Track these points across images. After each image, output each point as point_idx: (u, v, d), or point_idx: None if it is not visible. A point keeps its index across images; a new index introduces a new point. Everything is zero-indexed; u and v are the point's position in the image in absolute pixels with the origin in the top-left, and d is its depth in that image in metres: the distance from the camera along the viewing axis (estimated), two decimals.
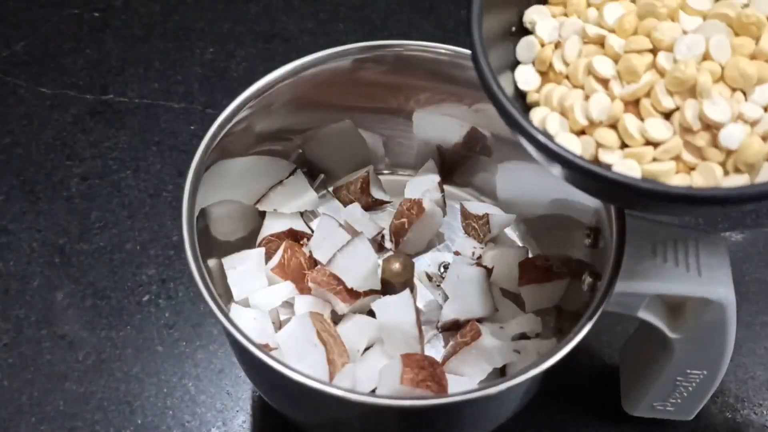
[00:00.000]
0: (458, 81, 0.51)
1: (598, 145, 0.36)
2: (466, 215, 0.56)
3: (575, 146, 0.37)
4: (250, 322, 0.48)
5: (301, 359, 0.46)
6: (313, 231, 0.54)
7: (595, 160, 0.36)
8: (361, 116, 0.55)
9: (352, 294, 0.49)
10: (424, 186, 0.55)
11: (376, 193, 0.57)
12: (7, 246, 0.61)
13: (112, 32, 0.74)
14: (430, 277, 0.55)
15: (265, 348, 0.44)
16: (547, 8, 0.41)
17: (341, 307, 0.49)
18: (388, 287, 0.51)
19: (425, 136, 0.57)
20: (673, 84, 0.35)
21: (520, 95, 0.40)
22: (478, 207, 0.56)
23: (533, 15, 0.41)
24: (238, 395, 0.55)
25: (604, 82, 0.37)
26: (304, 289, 0.51)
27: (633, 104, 0.37)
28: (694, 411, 0.51)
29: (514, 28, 0.41)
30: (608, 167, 0.35)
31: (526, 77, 0.40)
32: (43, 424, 0.53)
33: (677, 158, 0.36)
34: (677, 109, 0.36)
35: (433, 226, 0.55)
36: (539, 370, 0.39)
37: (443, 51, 0.50)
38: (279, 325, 0.50)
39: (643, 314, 0.44)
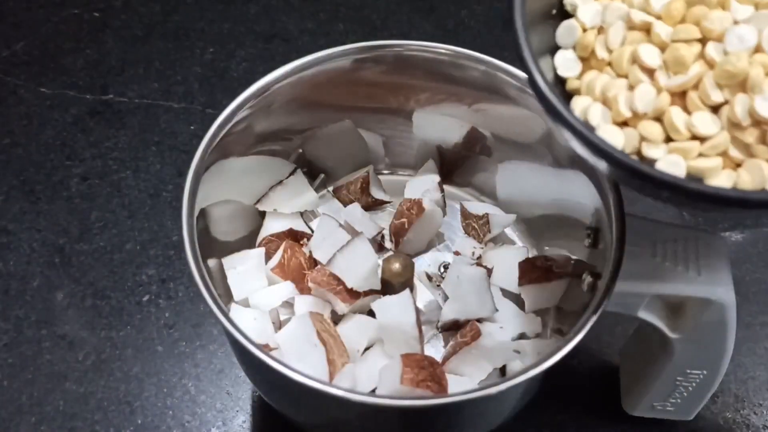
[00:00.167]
0: (458, 81, 0.51)
1: (642, 138, 0.35)
2: (466, 215, 0.56)
3: (618, 139, 0.35)
4: (250, 322, 0.48)
5: (301, 359, 0.46)
6: (313, 231, 0.54)
7: (638, 154, 0.35)
8: (361, 116, 0.55)
9: (352, 294, 0.49)
10: (424, 186, 0.55)
11: (376, 193, 0.57)
12: (7, 246, 0.61)
13: (112, 32, 0.74)
14: (430, 277, 0.55)
15: (265, 348, 0.44)
16: None
17: (341, 307, 0.49)
18: (388, 287, 0.51)
19: (425, 136, 0.57)
20: (722, 77, 0.34)
21: (559, 81, 0.38)
22: (478, 207, 0.56)
23: None
24: (238, 395, 0.55)
25: (650, 72, 0.36)
26: (304, 289, 0.51)
27: (679, 96, 0.35)
28: (694, 411, 0.51)
29: (554, 11, 0.39)
30: (652, 162, 0.34)
31: (566, 63, 0.38)
32: (43, 424, 0.53)
33: (723, 154, 0.34)
34: (725, 103, 0.34)
35: (433, 226, 0.55)
36: (539, 370, 0.39)
37: (443, 51, 0.50)
38: (279, 325, 0.50)
39: (643, 314, 0.44)
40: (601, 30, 0.38)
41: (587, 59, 0.38)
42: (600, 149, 0.33)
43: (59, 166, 0.65)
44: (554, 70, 0.38)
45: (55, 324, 0.58)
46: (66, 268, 0.60)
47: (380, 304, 0.49)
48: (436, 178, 0.56)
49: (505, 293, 0.52)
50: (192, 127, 0.68)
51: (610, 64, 0.37)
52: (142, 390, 0.55)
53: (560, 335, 0.51)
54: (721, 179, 0.34)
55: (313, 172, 0.57)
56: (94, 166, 0.65)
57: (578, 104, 0.37)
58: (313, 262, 0.52)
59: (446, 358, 0.49)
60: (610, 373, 0.56)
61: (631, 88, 0.36)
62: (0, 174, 0.65)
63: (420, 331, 0.48)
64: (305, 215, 0.55)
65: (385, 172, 0.59)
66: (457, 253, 0.55)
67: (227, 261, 0.51)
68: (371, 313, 0.50)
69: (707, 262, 0.43)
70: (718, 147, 0.34)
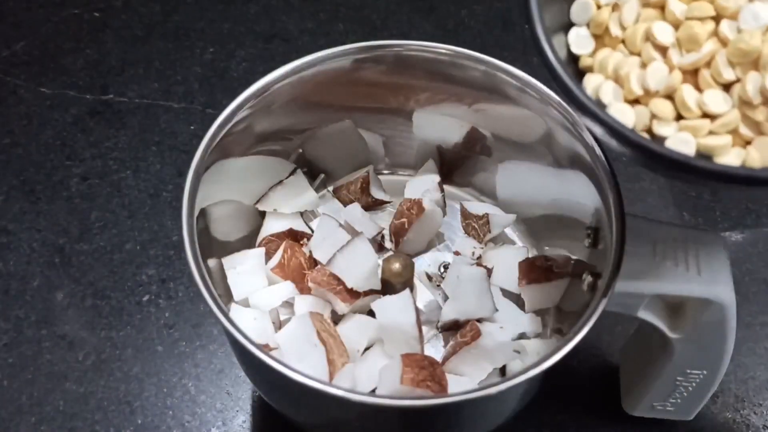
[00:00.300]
0: (458, 81, 0.51)
1: (653, 116, 0.35)
2: (466, 215, 0.56)
3: (629, 117, 0.35)
4: (250, 322, 0.48)
5: (301, 359, 0.46)
6: (313, 231, 0.54)
7: (649, 131, 0.35)
8: (361, 116, 0.55)
9: (352, 294, 0.49)
10: (424, 186, 0.55)
11: (376, 193, 0.57)
12: (7, 246, 0.61)
13: (112, 32, 0.74)
14: (430, 277, 0.55)
15: (265, 348, 0.44)
16: None
17: (341, 307, 0.49)
18: (388, 287, 0.51)
19: (425, 136, 0.57)
20: (735, 55, 0.34)
21: (573, 59, 0.39)
22: (478, 207, 0.56)
23: None
24: (238, 395, 0.55)
25: (663, 50, 0.36)
26: (304, 289, 0.51)
27: (691, 74, 0.35)
28: (694, 411, 0.51)
29: None
30: (662, 140, 0.34)
31: (579, 40, 0.38)
32: (43, 424, 0.53)
33: (734, 132, 0.34)
34: (737, 81, 0.34)
35: (433, 226, 0.55)
36: (539, 370, 0.39)
37: (443, 51, 0.50)
38: (279, 325, 0.50)
39: (643, 314, 0.44)
40: (615, 7, 0.38)
41: (601, 37, 0.38)
42: (609, 126, 0.34)
43: (59, 166, 0.65)
44: (567, 47, 0.38)
45: (55, 324, 0.58)
46: (66, 268, 0.60)
47: (380, 304, 0.49)
48: (436, 178, 0.56)
49: (505, 293, 0.52)
50: (192, 127, 0.68)
51: (623, 41, 0.37)
52: (142, 390, 0.55)
53: (560, 335, 0.51)
54: (731, 157, 0.34)
55: (313, 172, 0.57)
56: (94, 166, 0.65)
57: (590, 82, 0.37)
58: (313, 262, 0.52)
59: (446, 358, 0.49)
60: (610, 373, 0.56)
61: (644, 65, 0.36)
62: (0, 174, 0.65)
63: (420, 331, 0.48)
64: (305, 215, 0.55)
65: (385, 172, 0.59)
66: (457, 253, 0.55)
67: (227, 261, 0.51)
68: (371, 313, 0.50)
69: (707, 262, 0.43)
70: (729, 125, 0.34)
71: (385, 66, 0.51)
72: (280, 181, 0.55)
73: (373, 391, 0.46)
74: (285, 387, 0.43)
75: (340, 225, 0.53)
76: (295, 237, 0.54)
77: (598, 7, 0.38)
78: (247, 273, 0.51)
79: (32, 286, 0.59)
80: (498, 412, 0.46)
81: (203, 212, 0.48)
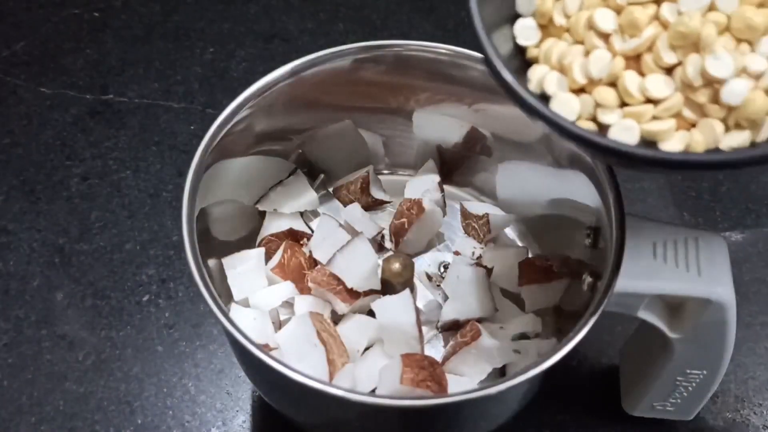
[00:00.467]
0: (458, 81, 0.51)
1: (597, 104, 0.35)
2: (466, 215, 0.56)
3: (574, 107, 0.35)
4: (250, 322, 0.48)
5: (301, 359, 0.46)
6: (313, 231, 0.54)
7: (594, 119, 0.35)
8: (361, 116, 0.55)
9: (352, 294, 0.49)
10: (424, 186, 0.55)
11: (376, 193, 0.57)
12: (7, 246, 0.61)
13: (112, 32, 0.74)
14: (430, 277, 0.55)
15: (265, 348, 0.44)
16: None
17: (341, 307, 0.49)
18: (388, 287, 0.51)
19: (425, 136, 0.57)
20: (676, 38, 0.34)
21: (521, 50, 0.38)
22: (478, 207, 0.56)
23: None
24: (238, 395, 0.55)
25: (605, 37, 0.36)
26: (304, 289, 0.51)
27: (634, 60, 0.35)
28: (694, 411, 0.51)
29: None
30: (603, 130, 0.34)
31: (525, 31, 0.38)
32: (43, 424, 0.53)
33: (677, 115, 0.34)
34: (679, 64, 0.34)
35: (433, 226, 0.55)
36: (539, 370, 0.39)
37: (443, 51, 0.50)
38: (279, 325, 0.50)
39: (643, 314, 0.44)
40: None
41: (546, 27, 0.38)
42: (546, 119, 0.34)
43: (59, 166, 0.65)
44: (514, 39, 0.38)
45: (55, 324, 0.58)
46: (66, 268, 0.60)
47: (380, 304, 0.49)
48: (436, 178, 0.56)
49: (505, 293, 0.52)
50: (192, 127, 0.68)
51: (568, 30, 0.37)
52: (142, 390, 0.55)
53: (560, 335, 0.51)
54: (674, 141, 0.34)
55: (313, 172, 0.57)
56: (94, 166, 0.65)
57: (535, 73, 0.37)
58: (313, 262, 0.52)
59: (446, 358, 0.49)
60: (610, 373, 0.56)
61: (587, 53, 0.36)
62: (0, 174, 0.65)
63: (420, 331, 0.48)
64: (305, 215, 0.55)
65: (385, 172, 0.59)
66: (457, 253, 0.55)
67: (227, 261, 0.51)
68: (371, 313, 0.50)
69: (707, 262, 0.43)
70: (672, 109, 0.34)
71: (385, 66, 0.51)
72: (280, 181, 0.55)
73: (373, 391, 0.46)
74: (285, 387, 0.43)
75: (340, 225, 0.53)
76: (295, 237, 0.54)
77: None
78: (247, 273, 0.51)
79: (32, 286, 0.59)
80: (498, 412, 0.46)
81: (203, 212, 0.48)
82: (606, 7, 0.36)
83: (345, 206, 0.55)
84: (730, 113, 0.34)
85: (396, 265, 0.51)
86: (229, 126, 0.47)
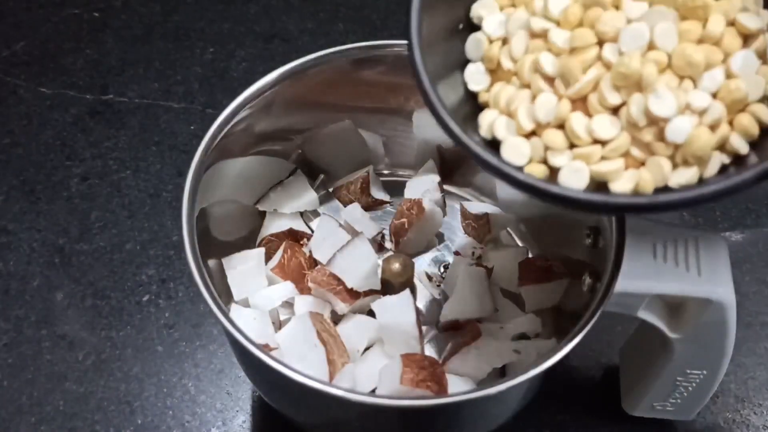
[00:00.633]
0: None
1: (547, 147, 0.35)
2: (466, 215, 0.56)
3: (524, 150, 0.36)
4: (250, 322, 0.48)
5: (301, 359, 0.46)
6: (313, 231, 0.54)
7: (545, 162, 0.35)
8: (361, 116, 0.55)
9: (352, 294, 0.49)
10: (424, 186, 0.55)
11: (376, 193, 0.57)
12: (7, 246, 0.61)
13: (112, 32, 0.74)
14: (430, 277, 0.55)
15: (265, 348, 0.44)
16: (494, 0, 0.39)
17: (341, 307, 0.49)
18: (388, 287, 0.51)
19: (425, 136, 0.56)
20: (618, 78, 0.34)
21: (473, 95, 0.39)
22: (478, 207, 0.56)
23: (480, 10, 0.39)
24: (238, 395, 0.55)
25: (551, 80, 0.36)
26: (304, 289, 0.51)
27: (582, 101, 0.35)
28: (694, 411, 0.51)
29: (461, 25, 0.39)
30: (554, 173, 0.35)
31: (475, 76, 0.38)
32: (43, 424, 0.53)
33: (626, 154, 0.35)
34: (624, 104, 0.34)
35: (433, 226, 0.55)
36: (539, 370, 0.39)
37: None
38: (279, 325, 0.50)
39: (643, 314, 0.44)
40: (506, 41, 0.38)
41: (495, 71, 0.38)
42: (492, 168, 0.34)
43: (59, 166, 0.65)
44: (464, 85, 0.39)
45: (55, 324, 0.58)
46: (66, 268, 0.60)
47: (380, 304, 0.49)
48: (436, 178, 0.56)
49: (505, 293, 0.52)
50: (192, 127, 0.68)
51: (516, 74, 0.37)
52: (142, 390, 0.55)
53: (560, 335, 0.51)
54: (623, 181, 0.34)
55: (313, 172, 0.57)
56: (94, 166, 0.65)
57: (485, 118, 0.37)
58: (313, 262, 0.52)
59: (446, 358, 0.49)
60: (610, 373, 0.56)
61: (534, 97, 0.36)
62: (0, 174, 0.65)
63: (420, 331, 0.48)
64: (305, 215, 0.55)
65: (385, 172, 0.59)
66: (457, 253, 0.55)
67: (227, 261, 0.51)
68: (371, 313, 0.50)
69: (707, 262, 0.43)
70: (619, 149, 0.34)
71: (385, 66, 0.51)
72: (280, 181, 0.55)
73: (373, 391, 0.46)
74: (285, 387, 0.43)
75: (340, 225, 0.53)
76: (295, 237, 0.54)
77: (490, 41, 0.38)
78: (247, 273, 0.51)
79: (32, 286, 0.59)
80: (498, 412, 0.46)
81: (203, 212, 0.48)
82: (548, 51, 0.36)
83: (345, 206, 0.55)
84: (677, 150, 0.34)
85: (396, 265, 0.51)
86: (229, 126, 0.47)
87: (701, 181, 0.34)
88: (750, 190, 0.33)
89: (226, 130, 0.47)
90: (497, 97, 0.37)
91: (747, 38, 0.35)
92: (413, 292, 0.52)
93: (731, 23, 0.35)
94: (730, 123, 0.35)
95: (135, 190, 0.64)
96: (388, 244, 0.55)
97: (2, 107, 0.69)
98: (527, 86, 0.37)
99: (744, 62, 0.34)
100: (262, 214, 0.54)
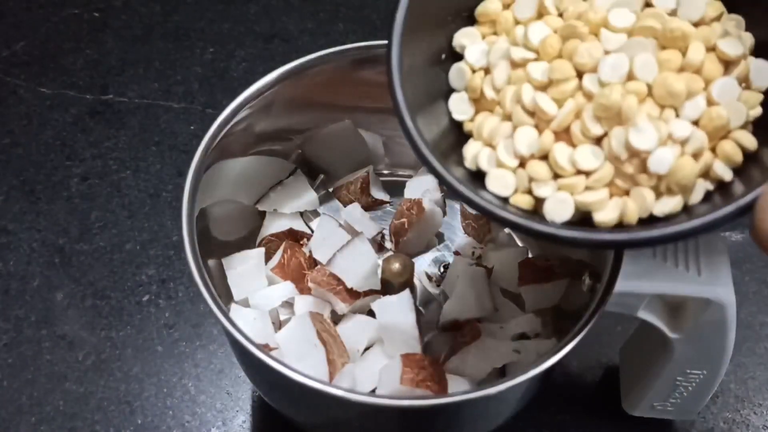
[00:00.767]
0: None
1: (531, 178, 0.35)
2: (466, 215, 0.56)
3: (509, 182, 0.36)
4: (250, 322, 0.48)
5: (301, 359, 0.46)
6: (313, 231, 0.54)
7: (530, 193, 0.36)
8: (361, 116, 0.55)
9: (352, 294, 0.49)
10: (424, 186, 0.55)
11: (376, 193, 0.57)
12: (7, 246, 0.61)
13: (112, 32, 0.74)
14: (430, 277, 0.55)
15: (265, 348, 0.44)
16: (476, 29, 0.39)
17: (341, 307, 0.49)
18: (388, 287, 0.51)
19: None
20: (599, 110, 0.34)
21: (458, 124, 0.39)
22: None
23: (462, 39, 0.39)
24: (238, 395, 0.55)
25: (532, 113, 0.36)
26: (304, 289, 0.51)
27: (566, 131, 0.35)
28: (694, 411, 0.51)
29: (444, 55, 0.39)
30: (540, 203, 0.35)
31: (459, 106, 0.38)
32: (43, 424, 0.53)
33: (611, 184, 0.35)
34: (606, 134, 0.34)
35: (433, 226, 0.55)
36: (539, 370, 0.39)
37: None
38: (279, 325, 0.50)
39: (643, 314, 0.44)
40: (488, 70, 0.38)
41: (479, 100, 0.38)
42: (474, 204, 0.34)
43: (59, 166, 0.65)
44: (449, 114, 0.39)
45: (55, 324, 0.58)
46: (66, 268, 0.60)
47: (380, 304, 0.48)
48: None
49: (505, 293, 0.52)
50: (192, 127, 0.68)
51: (499, 103, 0.37)
52: (142, 390, 0.55)
53: (560, 335, 0.51)
54: (607, 212, 0.34)
55: (313, 172, 0.57)
56: (94, 166, 0.65)
57: (469, 150, 0.37)
58: (313, 262, 0.52)
59: (446, 358, 0.49)
60: (610, 373, 0.56)
61: (516, 129, 0.36)
62: (0, 174, 0.65)
63: (420, 331, 0.48)
64: (305, 215, 0.55)
65: (385, 172, 0.59)
66: (457, 253, 0.55)
67: (227, 261, 0.51)
68: (371, 313, 0.50)
69: (707, 262, 0.43)
70: (602, 179, 0.34)
71: (385, 66, 0.51)
72: (280, 181, 0.55)
73: (373, 391, 0.46)
74: (285, 387, 0.43)
75: (340, 225, 0.53)
76: (295, 237, 0.54)
77: (473, 71, 0.38)
78: (247, 273, 0.51)
79: (32, 286, 0.59)
80: (498, 412, 0.46)
81: (203, 212, 0.48)
82: (529, 83, 0.36)
83: (345, 206, 0.55)
84: (661, 180, 0.34)
85: (396, 265, 0.51)
86: (229, 126, 0.47)
87: (686, 207, 0.35)
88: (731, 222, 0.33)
89: (226, 130, 0.47)
90: (480, 128, 0.37)
91: (729, 64, 0.35)
92: (413, 292, 0.52)
93: (711, 49, 0.35)
94: (713, 150, 0.35)
95: (135, 190, 0.64)
96: (388, 244, 0.55)
97: (2, 107, 0.69)
98: (509, 117, 0.36)
99: (724, 89, 0.34)
100: (262, 214, 0.54)
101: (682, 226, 0.33)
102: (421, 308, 0.52)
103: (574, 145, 0.35)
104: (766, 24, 0.35)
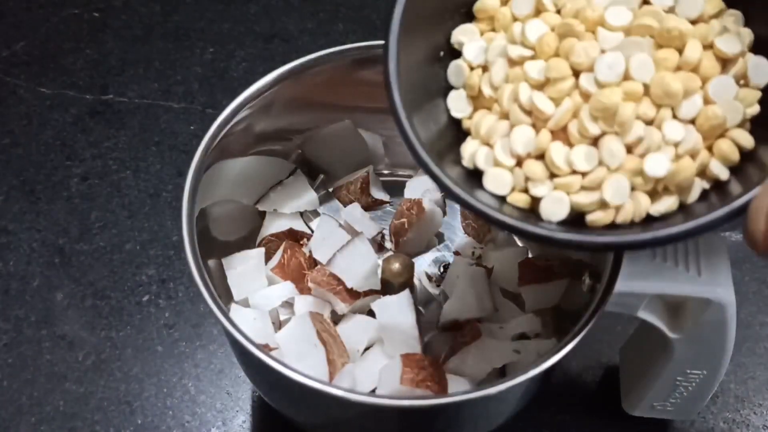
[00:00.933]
0: None
1: (527, 177, 0.35)
2: (466, 215, 0.56)
3: (506, 180, 0.36)
4: (250, 322, 0.48)
5: (301, 359, 0.46)
6: (313, 231, 0.54)
7: (527, 192, 0.36)
8: (361, 116, 0.55)
9: (352, 294, 0.49)
10: (424, 186, 0.55)
11: (376, 193, 0.57)
12: (7, 246, 0.61)
13: (112, 32, 0.74)
14: (430, 277, 0.55)
15: (265, 348, 0.44)
16: (475, 26, 0.39)
17: (341, 307, 0.49)
18: (388, 287, 0.51)
19: None
20: (597, 110, 0.34)
21: (457, 121, 0.39)
22: None
23: (460, 36, 0.39)
24: (238, 395, 0.55)
25: (529, 112, 0.36)
26: (304, 289, 0.51)
27: (563, 130, 0.35)
28: (694, 411, 0.51)
29: (442, 52, 0.39)
30: (536, 202, 0.35)
31: (458, 104, 0.38)
32: (43, 424, 0.53)
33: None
34: (603, 134, 0.35)
35: (433, 226, 0.55)
36: (539, 370, 0.39)
37: None
38: (279, 325, 0.50)
39: (643, 314, 0.44)
40: (486, 68, 0.38)
41: (477, 98, 0.38)
42: (466, 204, 0.34)
43: (59, 166, 0.65)
44: (448, 112, 0.39)
45: (55, 324, 0.58)
46: (66, 268, 0.60)
47: (380, 304, 0.48)
48: None
49: (505, 293, 0.52)
50: (192, 127, 0.68)
51: (497, 101, 0.37)
52: (142, 390, 0.55)
53: (560, 335, 0.51)
54: (602, 212, 0.34)
55: (313, 172, 0.57)
56: (94, 166, 0.65)
57: (467, 149, 0.37)
58: (313, 262, 0.52)
59: (446, 358, 0.49)
60: (610, 373, 0.56)
61: (513, 127, 0.36)
62: (0, 174, 0.65)
63: (420, 331, 0.48)
64: (305, 215, 0.55)
65: (385, 172, 0.59)
66: (457, 253, 0.55)
67: (227, 261, 0.51)
68: (371, 313, 0.50)
69: (707, 262, 0.43)
70: (597, 180, 0.34)
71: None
72: (280, 181, 0.55)
73: (373, 391, 0.46)
74: (285, 387, 0.43)
75: (340, 225, 0.53)
76: (295, 237, 0.54)
77: (471, 68, 0.38)
78: (247, 273, 0.51)
79: (32, 286, 0.59)
80: (498, 412, 0.46)
81: (203, 212, 0.48)
82: (526, 82, 0.36)
83: (345, 206, 0.55)
84: (658, 181, 0.34)
85: (396, 265, 0.51)
86: (229, 126, 0.47)
87: (682, 206, 0.35)
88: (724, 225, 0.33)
89: (226, 130, 0.47)
90: (478, 127, 0.37)
91: (727, 61, 0.35)
92: (413, 292, 0.52)
93: (709, 46, 0.35)
94: (710, 149, 0.34)
95: (135, 190, 0.64)
96: (388, 244, 0.55)
97: (2, 107, 0.69)
98: (507, 116, 0.36)
99: (721, 88, 0.34)
100: (262, 214, 0.54)
101: (675, 229, 0.33)
102: (421, 308, 0.52)
103: (571, 144, 0.35)
104: (766, 20, 0.35)
